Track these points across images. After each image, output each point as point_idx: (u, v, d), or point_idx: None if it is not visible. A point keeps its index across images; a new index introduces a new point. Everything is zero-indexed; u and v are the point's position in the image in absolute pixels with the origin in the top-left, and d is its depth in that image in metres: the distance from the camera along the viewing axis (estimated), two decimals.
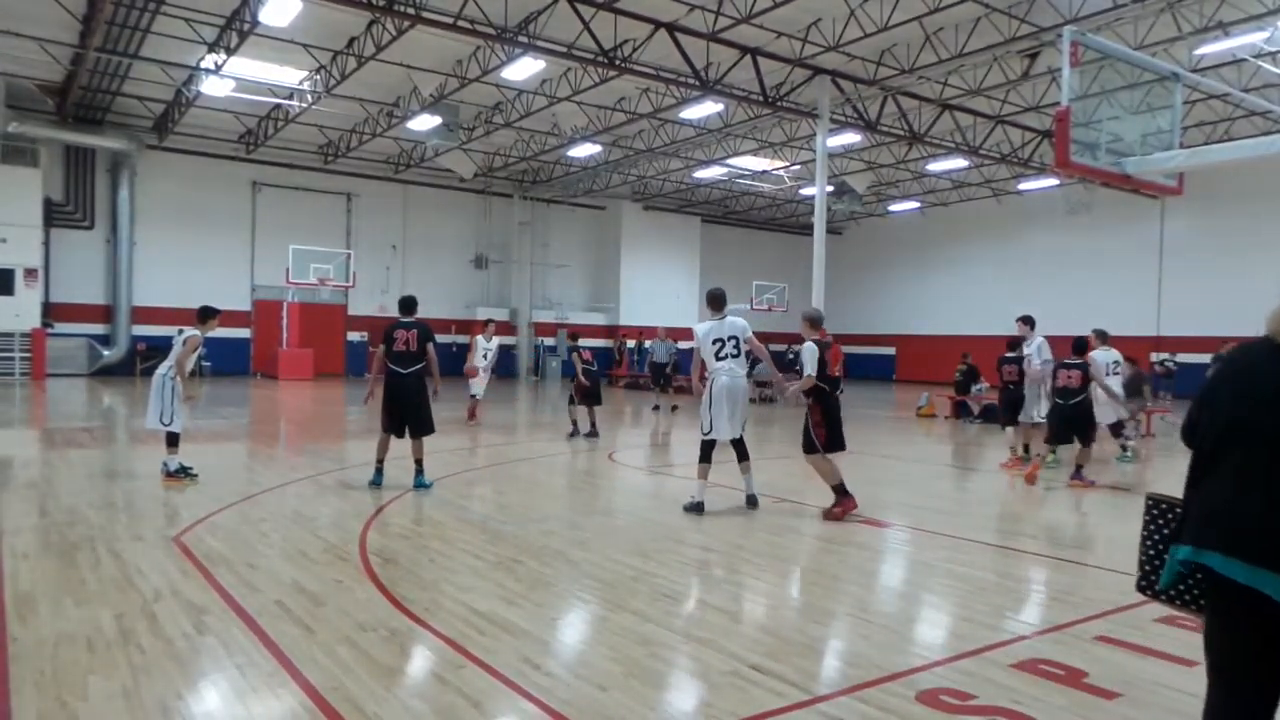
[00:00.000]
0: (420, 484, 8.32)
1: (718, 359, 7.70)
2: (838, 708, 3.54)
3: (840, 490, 7.69)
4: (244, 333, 27.99)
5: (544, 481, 9.77)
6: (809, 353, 7.57)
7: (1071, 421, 9.73)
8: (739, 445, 7.91)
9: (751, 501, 7.93)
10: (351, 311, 29.95)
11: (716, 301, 7.93)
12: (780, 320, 34.09)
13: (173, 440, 8.56)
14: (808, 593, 5.56)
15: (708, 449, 7.78)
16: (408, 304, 8.67)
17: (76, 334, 25.07)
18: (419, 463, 8.40)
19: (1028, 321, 11.49)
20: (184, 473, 8.57)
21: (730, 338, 7.71)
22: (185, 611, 4.56)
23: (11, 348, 22.84)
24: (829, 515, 7.61)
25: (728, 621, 4.72)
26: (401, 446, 8.49)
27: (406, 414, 8.36)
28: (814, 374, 7.52)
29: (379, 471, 8.39)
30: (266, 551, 5.93)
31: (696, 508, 7.66)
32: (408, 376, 8.36)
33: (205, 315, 8.75)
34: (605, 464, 11.00)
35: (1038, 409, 11.16)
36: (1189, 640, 4.47)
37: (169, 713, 3.38)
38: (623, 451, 12.37)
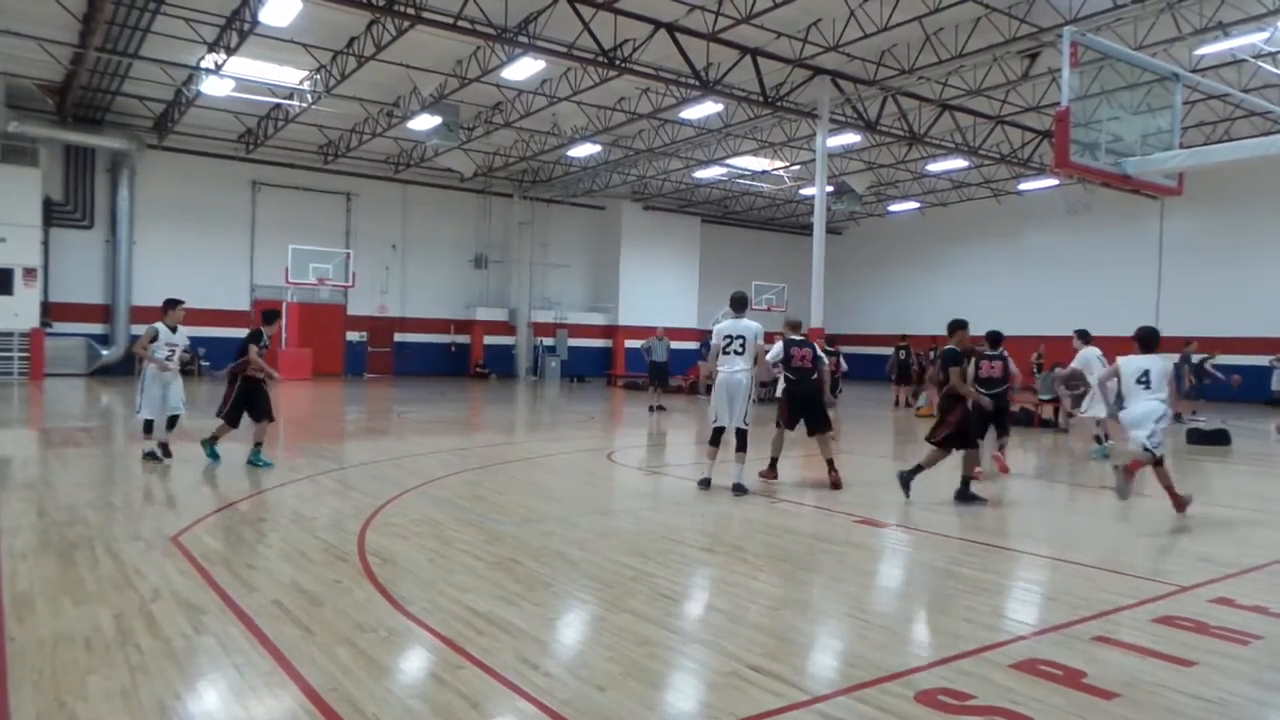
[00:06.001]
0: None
1: (724, 353, 8.53)
2: (837, 708, 3.54)
3: None
4: (243, 332, 27.92)
5: (542, 481, 9.76)
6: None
7: (991, 412, 9.81)
8: (739, 436, 8.56)
9: (737, 489, 8.45)
10: (351, 311, 29.86)
11: (739, 304, 8.76)
12: (780, 320, 34.08)
13: (148, 428, 9.82)
14: (807, 593, 5.55)
15: (715, 434, 8.67)
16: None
17: (75, 334, 25.04)
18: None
19: (1082, 336, 11.71)
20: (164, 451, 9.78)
21: (738, 336, 8.49)
22: (183, 611, 4.55)
23: (10, 347, 22.80)
24: None
25: (727, 621, 4.72)
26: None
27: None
28: None
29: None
30: (265, 551, 5.92)
31: (703, 482, 8.61)
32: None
33: (168, 305, 10.22)
34: (604, 464, 11.00)
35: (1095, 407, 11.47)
36: (1189, 640, 4.47)
37: (167, 712, 3.38)
38: (621, 451, 12.36)
